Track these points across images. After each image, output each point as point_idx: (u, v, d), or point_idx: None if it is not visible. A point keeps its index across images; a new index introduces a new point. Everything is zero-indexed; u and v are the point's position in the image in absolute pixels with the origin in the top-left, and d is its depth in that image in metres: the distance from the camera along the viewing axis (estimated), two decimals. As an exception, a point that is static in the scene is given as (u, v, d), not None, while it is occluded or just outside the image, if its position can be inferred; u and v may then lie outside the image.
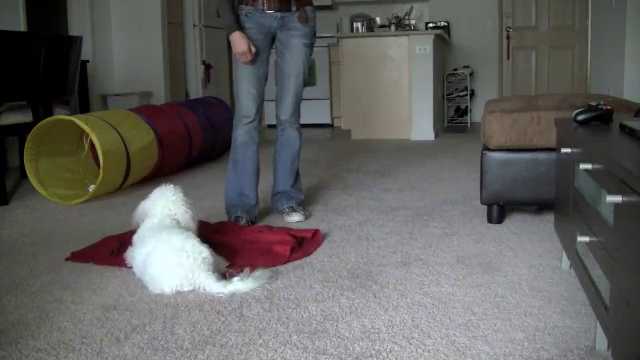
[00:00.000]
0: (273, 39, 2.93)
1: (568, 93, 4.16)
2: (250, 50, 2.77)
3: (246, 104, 2.86)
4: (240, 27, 2.80)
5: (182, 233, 2.15)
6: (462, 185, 3.74)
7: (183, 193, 2.38)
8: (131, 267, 2.24)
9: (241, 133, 2.89)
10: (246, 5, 2.83)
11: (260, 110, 2.93)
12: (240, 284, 2.04)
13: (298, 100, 2.99)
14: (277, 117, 3.01)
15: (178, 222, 2.29)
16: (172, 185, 2.40)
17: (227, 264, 2.25)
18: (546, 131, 2.64)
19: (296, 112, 3.00)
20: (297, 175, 3.10)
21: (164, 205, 2.30)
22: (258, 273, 2.12)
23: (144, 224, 2.28)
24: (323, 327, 1.76)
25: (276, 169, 3.07)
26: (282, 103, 2.97)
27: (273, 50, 2.95)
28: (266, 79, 2.93)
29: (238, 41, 2.77)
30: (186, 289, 2.03)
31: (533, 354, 1.56)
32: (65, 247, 2.59)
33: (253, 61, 2.81)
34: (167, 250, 2.06)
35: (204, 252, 2.08)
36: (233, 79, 2.94)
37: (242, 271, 2.12)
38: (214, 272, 2.07)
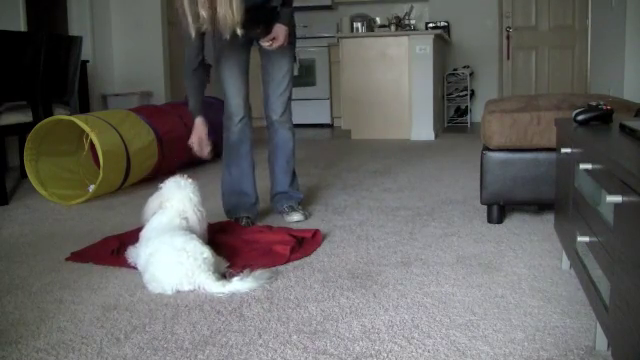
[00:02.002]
0: (256, 39, 2.89)
1: (568, 93, 4.15)
2: (203, 143, 2.75)
3: (236, 102, 2.86)
4: (203, 113, 2.77)
5: (185, 235, 2.15)
6: (462, 185, 3.74)
7: (195, 186, 2.38)
8: (134, 266, 2.25)
9: (234, 131, 2.88)
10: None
11: (247, 105, 2.91)
12: (240, 284, 2.04)
13: (288, 99, 2.95)
14: (267, 118, 2.98)
15: (187, 220, 2.28)
16: (185, 177, 2.39)
17: (227, 264, 2.25)
18: (546, 131, 2.64)
19: (287, 111, 2.96)
20: (294, 174, 3.08)
21: (180, 199, 2.30)
22: (258, 273, 2.12)
23: (151, 222, 2.27)
24: (323, 327, 1.76)
25: (273, 170, 3.06)
26: (272, 104, 2.94)
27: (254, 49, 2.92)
28: (247, 76, 2.90)
29: (198, 127, 2.75)
30: (186, 289, 2.03)
31: (533, 354, 1.56)
32: (65, 247, 2.59)
33: (202, 151, 2.78)
34: (168, 250, 2.07)
35: (205, 252, 2.09)
36: (219, 79, 2.91)
37: (242, 271, 2.12)
38: (214, 272, 2.07)
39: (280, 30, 2.75)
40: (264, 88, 2.96)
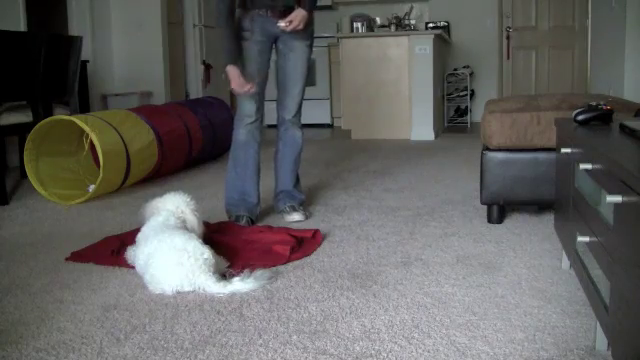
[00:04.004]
0: (275, 40, 2.92)
1: (568, 93, 4.15)
2: (246, 85, 2.75)
3: (248, 104, 2.87)
4: (239, 59, 2.77)
5: (185, 234, 2.15)
6: (462, 185, 3.74)
7: (192, 199, 2.42)
8: (133, 266, 2.24)
9: (243, 132, 2.90)
10: (251, 9, 2.82)
11: (261, 109, 2.93)
12: (240, 284, 2.04)
13: (302, 100, 3.01)
14: (280, 117, 3.01)
15: (184, 222, 2.30)
16: (182, 192, 2.44)
17: (227, 264, 2.25)
18: (546, 131, 2.64)
19: (299, 112, 3.02)
20: (297, 176, 3.10)
21: (175, 204, 2.33)
22: (258, 273, 2.12)
23: (148, 222, 2.29)
24: (323, 327, 1.76)
25: (278, 168, 3.07)
26: (286, 103, 2.97)
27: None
28: (267, 79, 2.93)
29: (233, 75, 2.74)
30: (186, 289, 2.03)
31: (533, 354, 1.56)
32: (65, 247, 2.59)
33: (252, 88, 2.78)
34: (169, 250, 2.07)
35: (205, 253, 2.08)
36: None
37: (242, 271, 2.12)
38: (214, 273, 2.07)
39: (300, 13, 2.78)
40: (279, 88, 2.98)
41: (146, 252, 2.12)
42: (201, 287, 2.03)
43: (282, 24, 2.77)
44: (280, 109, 3.00)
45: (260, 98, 2.90)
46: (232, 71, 2.75)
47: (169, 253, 2.06)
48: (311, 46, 2.98)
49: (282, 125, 3.03)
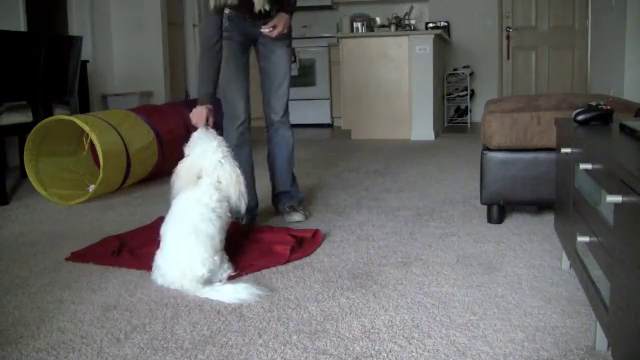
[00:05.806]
0: (254, 41, 2.92)
1: (568, 93, 4.16)
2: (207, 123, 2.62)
3: (238, 105, 2.85)
4: (211, 101, 2.64)
5: (205, 240, 2.10)
6: (462, 185, 3.74)
7: (222, 141, 2.34)
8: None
9: (235, 135, 2.87)
10: (229, 9, 2.80)
11: (249, 109, 2.92)
12: (220, 295, 2.00)
13: (288, 100, 2.99)
14: (268, 119, 3.00)
15: (221, 189, 2.25)
16: (211, 131, 2.33)
17: (230, 271, 2.19)
18: (546, 131, 2.64)
19: (287, 112, 3.00)
20: (293, 175, 3.09)
21: (213, 167, 2.25)
22: (242, 286, 2.05)
23: (181, 199, 2.23)
24: (323, 327, 1.76)
25: (274, 170, 3.06)
26: (273, 105, 2.96)
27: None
28: (248, 78, 2.91)
29: (199, 114, 2.60)
30: (174, 287, 2.06)
31: (533, 354, 1.56)
32: (65, 247, 2.59)
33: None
34: (180, 254, 2.08)
35: (204, 272, 2.06)
36: (220, 81, 2.88)
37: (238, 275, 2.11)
38: (204, 284, 2.06)
39: (282, 18, 2.78)
40: (264, 90, 2.97)
41: (166, 243, 2.14)
42: (187, 291, 2.04)
43: (266, 30, 2.76)
44: (267, 111, 2.99)
45: (246, 98, 2.89)
46: (200, 110, 2.60)
47: (178, 256, 2.07)
48: (290, 45, 2.98)
49: (271, 127, 3.01)
